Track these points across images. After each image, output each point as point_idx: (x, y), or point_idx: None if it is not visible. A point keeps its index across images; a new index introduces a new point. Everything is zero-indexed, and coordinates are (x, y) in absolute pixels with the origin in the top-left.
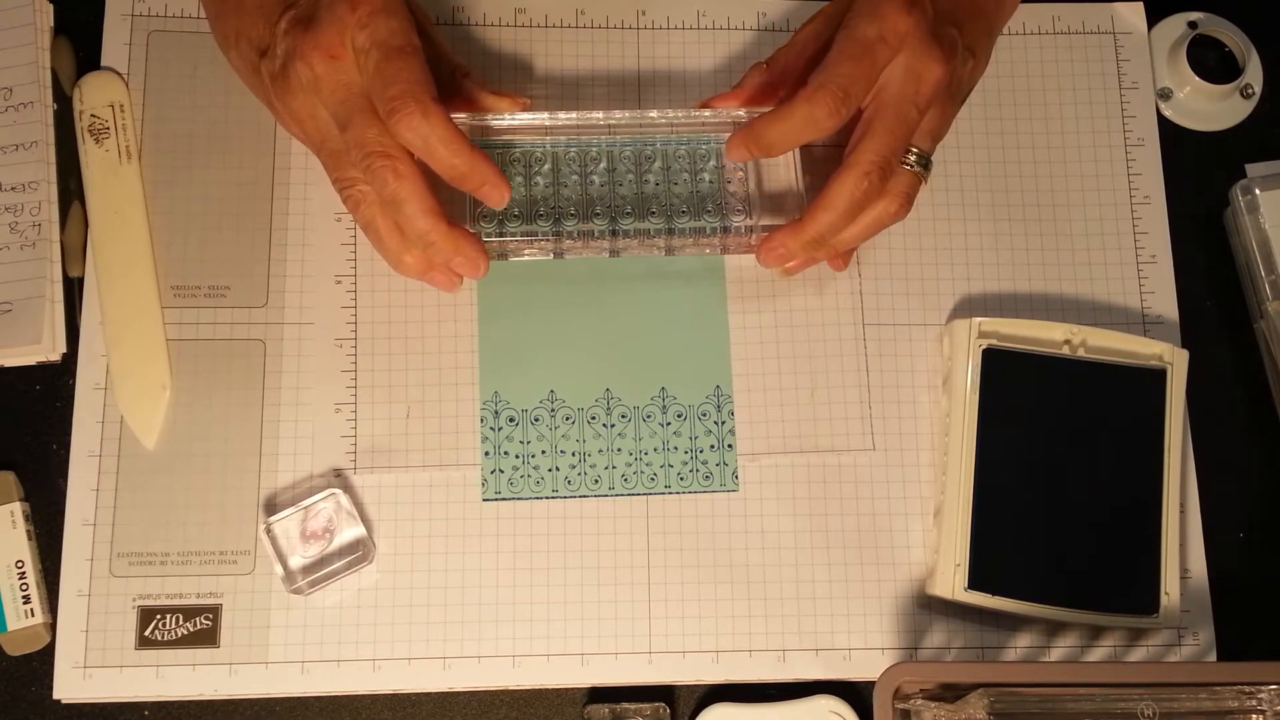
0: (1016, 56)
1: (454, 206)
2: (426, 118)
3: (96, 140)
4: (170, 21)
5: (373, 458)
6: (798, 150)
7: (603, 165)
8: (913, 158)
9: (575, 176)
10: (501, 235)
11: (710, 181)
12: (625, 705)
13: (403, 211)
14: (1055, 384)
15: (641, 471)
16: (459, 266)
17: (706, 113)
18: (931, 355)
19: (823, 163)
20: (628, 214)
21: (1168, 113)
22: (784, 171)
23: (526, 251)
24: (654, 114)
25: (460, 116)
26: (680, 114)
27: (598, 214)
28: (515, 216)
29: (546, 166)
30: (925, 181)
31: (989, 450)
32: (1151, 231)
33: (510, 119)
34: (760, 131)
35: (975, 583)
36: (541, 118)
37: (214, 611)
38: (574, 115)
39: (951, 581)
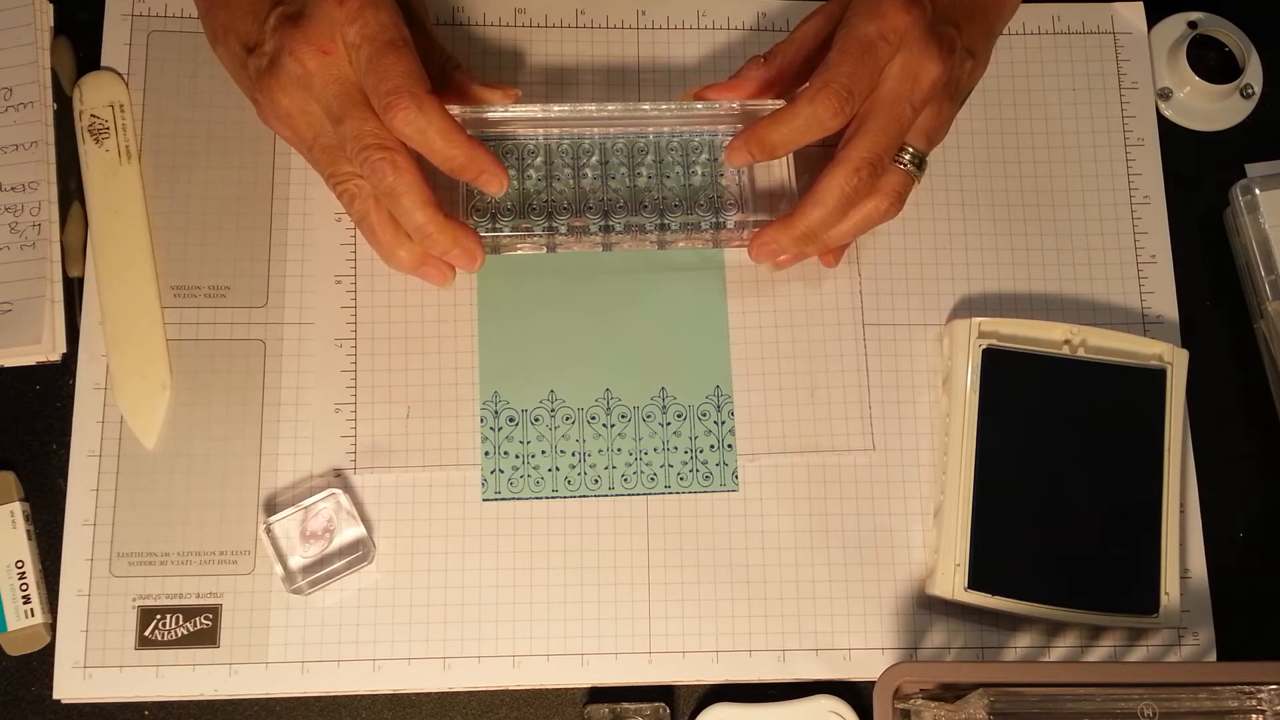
0: (1016, 56)
1: (449, 202)
2: (422, 111)
3: (96, 140)
4: (170, 21)
5: (373, 458)
6: None
7: (595, 159)
8: (907, 157)
9: (568, 170)
10: (495, 230)
11: (703, 176)
12: (625, 705)
13: (400, 204)
14: (1055, 384)
15: (641, 471)
16: (455, 259)
17: (700, 105)
18: (931, 355)
19: (816, 158)
20: (620, 209)
21: (1168, 113)
22: (776, 166)
23: (520, 246)
24: (646, 106)
25: (454, 109)
26: (673, 106)
27: (590, 209)
28: (508, 211)
29: (539, 160)
30: (919, 181)
31: (989, 450)
32: (1151, 231)
33: (503, 111)
34: (763, 134)
35: (975, 583)
36: (534, 109)
37: (214, 611)
38: (567, 107)
39: (951, 581)
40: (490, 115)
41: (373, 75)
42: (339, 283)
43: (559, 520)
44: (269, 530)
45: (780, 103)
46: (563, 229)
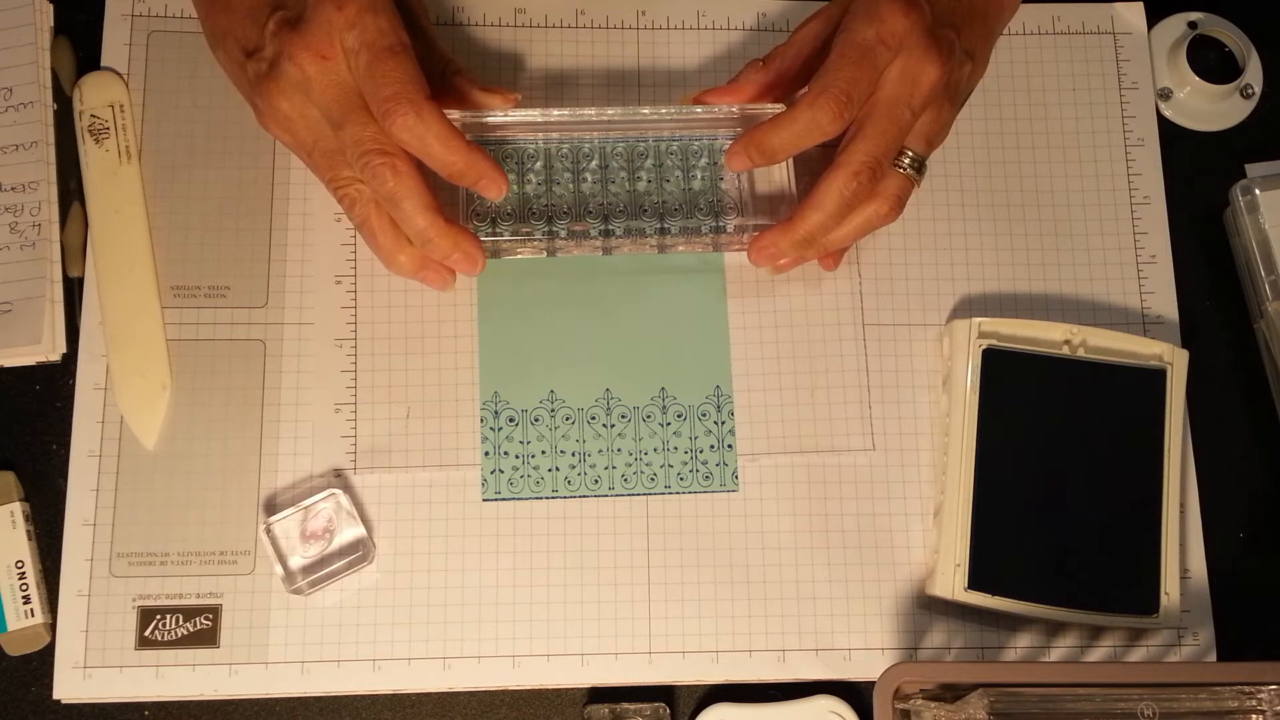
0: (1016, 56)
1: (449, 206)
2: (421, 117)
3: (96, 140)
4: (170, 21)
5: (373, 458)
6: None
7: (595, 163)
8: (906, 160)
9: (568, 174)
10: (495, 234)
11: (702, 180)
12: (625, 705)
13: (401, 209)
14: (1055, 384)
15: (641, 472)
16: (456, 263)
17: (699, 109)
18: (931, 355)
19: (815, 162)
20: (620, 213)
21: (1168, 113)
22: (776, 170)
23: (520, 251)
24: (646, 110)
25: (453, 114)
26: (672, 110)
27: (590, 213)
28: (508, 215)
29: (539, 164)
30: (918, 185)
31: (989, 450)
32: (1151, 231)
33: (503, 115)
34: (762, 139)
35: (975, 583)
36: (534, 114)
37: (214, 612)
38: (566, 111)
39: (951, 581)
40: (490, 120)
41: (371, 81)
42: (339, 283)
43: (559, 520)
44: (269, 530)
45: (780, 107)
46: (563, 233)
